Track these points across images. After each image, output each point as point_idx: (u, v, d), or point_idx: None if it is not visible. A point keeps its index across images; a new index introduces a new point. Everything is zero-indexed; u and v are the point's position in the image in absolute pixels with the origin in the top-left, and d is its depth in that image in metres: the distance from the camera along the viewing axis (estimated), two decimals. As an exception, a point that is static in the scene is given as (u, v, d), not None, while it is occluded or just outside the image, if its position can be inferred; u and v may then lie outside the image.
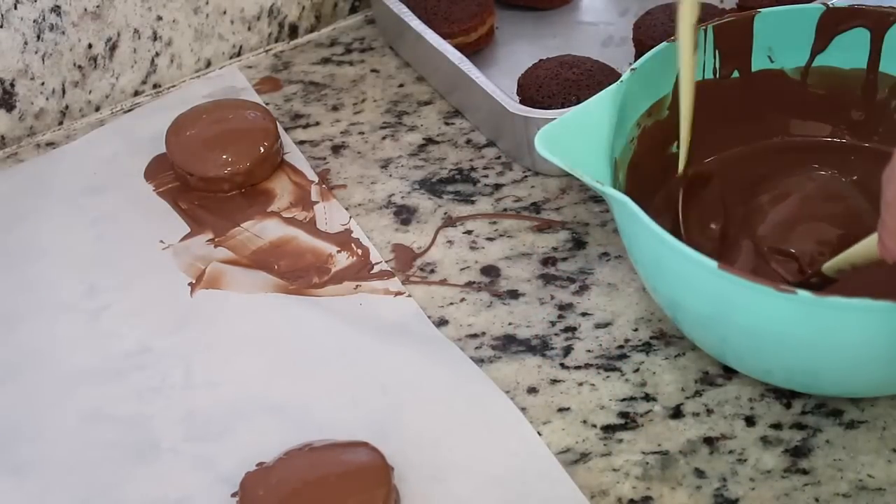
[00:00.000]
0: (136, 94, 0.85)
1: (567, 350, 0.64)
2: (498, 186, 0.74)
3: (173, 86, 0.86)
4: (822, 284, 0.58)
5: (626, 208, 0.56)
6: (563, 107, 0.72)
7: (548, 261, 0.69)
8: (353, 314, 0.66)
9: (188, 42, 0.85)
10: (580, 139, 0.60)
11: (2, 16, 0.77)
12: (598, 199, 0.73)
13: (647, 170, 0.65)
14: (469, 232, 0.72)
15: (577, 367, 0.63)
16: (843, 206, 0.64)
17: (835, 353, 0.54)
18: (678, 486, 0.57)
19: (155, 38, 0.83)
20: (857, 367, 0.55)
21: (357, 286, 0.68)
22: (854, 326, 0.52)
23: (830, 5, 0.66)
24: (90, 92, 0.83)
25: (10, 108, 0.80)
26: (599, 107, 0.62)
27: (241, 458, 0.59)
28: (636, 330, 0.65)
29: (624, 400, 0.61)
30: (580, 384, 0.62)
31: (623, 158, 0.64)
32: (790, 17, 0.66)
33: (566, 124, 0.61)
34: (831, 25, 0.66)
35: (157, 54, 0.84)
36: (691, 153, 0.65)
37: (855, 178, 0.65)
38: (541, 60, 0.78)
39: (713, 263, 0.53)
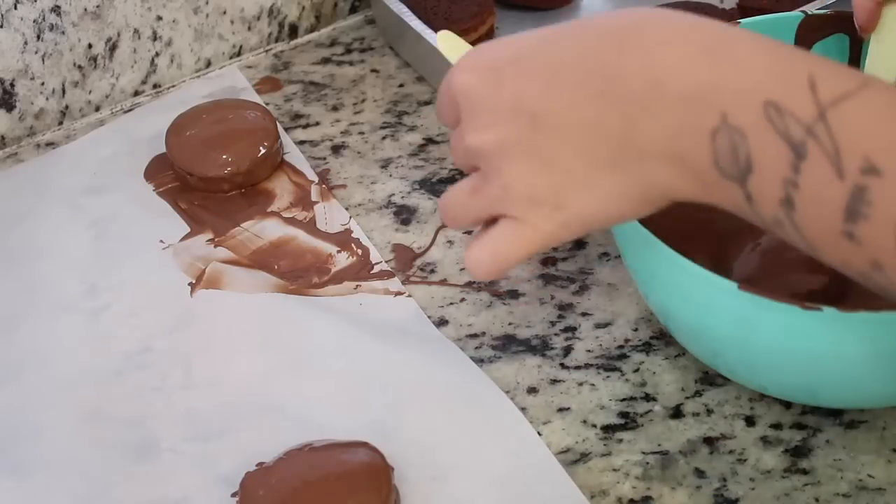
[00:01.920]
0: (136, 94, 0.85)
1: (567, 350, 0.64)
2: (498, 186, 0.74)
3: (173, 86, 0.86)
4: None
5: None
6: (563, 107, 0.72)
7: (548, 261, 0.69)
8: (353, 314, 0.66)
9: (188, 42, 0.85)
10: None
11: (2, 16, 0.77)
12: (598, 199, 0.72)
13: None
14: (469, 232, 0.72)
15: (577, 367, 0.63)
16: None
17: (837, 368, 0.54)
18: (678, 486, 0.57)
19: (155, 38, 0.83)
20: (861, 380, 0.55)
21: (357, 286, 0.68)
22: (869, 338, 0.52)
23: (810, 13, 0.66)
24: (90, 92, 0.83)
25: (10, 108, 0.80)
26: None
27: (241, 458, 0.58)
28: (636, 330, 0.65)
29: (624, 400, 0.61)
30: (580, 384, 0.62)
31: None
32: (769, 25, 0.66)
33: None
34: (810, 33, 0.66)
35: (157, 54, 0.84)
36: None
37: None
38: (541, 60, 0.78)
39: (733, 284, 0.52)
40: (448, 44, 0.61)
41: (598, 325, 0.65)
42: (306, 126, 0.81)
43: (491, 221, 0.51)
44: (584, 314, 0.66)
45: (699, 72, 0.44)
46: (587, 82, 0.46)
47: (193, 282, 0.69)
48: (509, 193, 0.49)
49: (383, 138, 0.79)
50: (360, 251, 0.70)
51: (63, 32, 0.79)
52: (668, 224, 0.64)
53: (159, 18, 0.83)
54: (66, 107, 0.82)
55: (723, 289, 0.53)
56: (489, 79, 0.49)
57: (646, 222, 0.56)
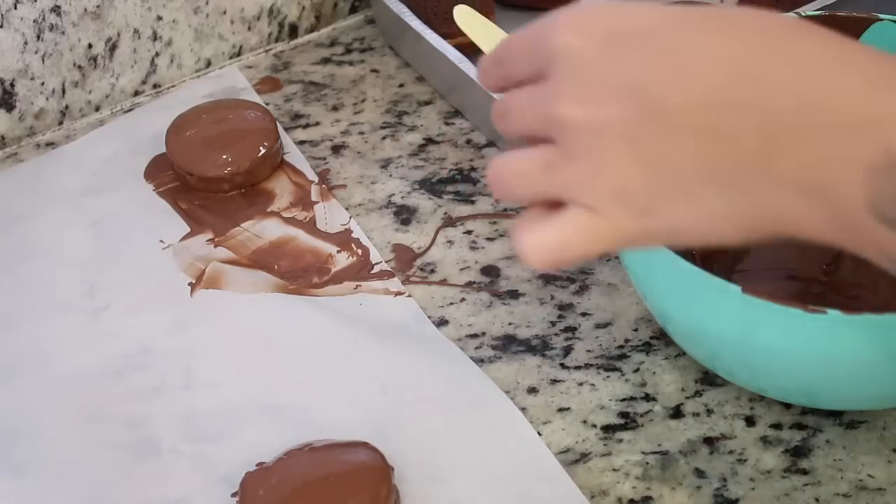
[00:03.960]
0: (136, 94, 0.85)
1: (567, 350, 0.64)
2: (498, 186, 0.74)
3: (173, 86, 0.86)
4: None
5: None
6: (563, 107, 0.72)
7: (548, 261, 0.69)
8: (353, 314, 0.66)
9: (188, 42, 0.85)
10: None
11: (2, 16, 0.77)
12: (598, 199, 0.72)
13: None
14: (469, 232, 0.72)
15: (577, 367, 0.63)
16: None
17: (839, 370, 0.54)
18: (678, 486, 0.57)
19: (155, 38, 0.83)
20: (863, 382, 0.55)
21: (357, 286, 0.68)
22: (872, 340, 0.52)
23: (804, 14, 0.66)
24: (90, 92, 0.83)
25: (10, 108, 0.80)
26: None
27: (241, 458, 0.58)
28: (636, 330, 0.65)
29: (624, 400, 0.61)
30: (580, 384, 0.62)
31: None
32: None
33: None
34: None
35: (157, 54, 0.84)
36: None
37: None
38: (541, 60, 0.78)
39: (737, 288, 0.52)
40: (465, 20, 0.57)
41: (598, 325, 0.65)
42: (306, 126, 0.81)
43: (553, 205, 0.45)
44: (584, 314, 0.66)
45: (864, 101, 0.39)
46: (726, 87, 0.41)
47: (193, 282, 0.69)
48: (595, 182, 0.43)
49: (383, 138, 0.79)
50: (360, 251, 0.70)
51: (63, 32, 0.79)
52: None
53: (159, 18, 0.83)
54: (66, 107, 0.82)
55: (726, 292, 0.52)
56: (606, 48, 0.43)
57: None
